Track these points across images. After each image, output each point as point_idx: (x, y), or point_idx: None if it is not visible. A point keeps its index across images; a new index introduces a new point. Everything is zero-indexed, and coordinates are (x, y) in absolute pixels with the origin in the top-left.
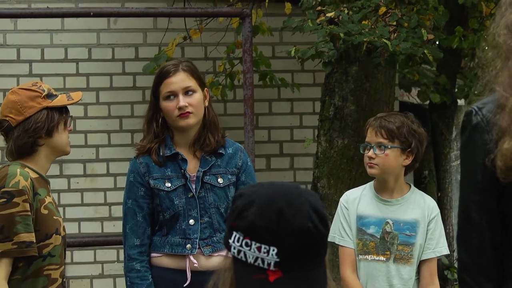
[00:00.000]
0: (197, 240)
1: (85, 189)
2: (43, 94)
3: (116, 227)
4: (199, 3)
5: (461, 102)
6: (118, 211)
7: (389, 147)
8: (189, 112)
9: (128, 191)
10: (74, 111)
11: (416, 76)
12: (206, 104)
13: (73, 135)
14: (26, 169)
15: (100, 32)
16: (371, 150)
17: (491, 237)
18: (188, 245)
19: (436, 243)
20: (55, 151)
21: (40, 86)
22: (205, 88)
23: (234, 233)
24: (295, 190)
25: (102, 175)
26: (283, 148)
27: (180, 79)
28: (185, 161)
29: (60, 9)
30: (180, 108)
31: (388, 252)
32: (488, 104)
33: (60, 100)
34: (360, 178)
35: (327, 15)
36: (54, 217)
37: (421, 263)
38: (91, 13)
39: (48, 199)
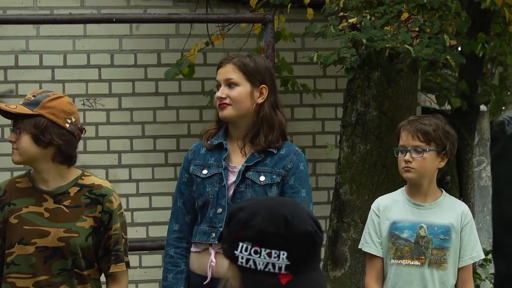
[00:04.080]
0: (221, 230)
1: None
2: None
3: (138, 233)
4: (221, 9)
5: (483, 107)
6: (140, 217)
7: (427, 150)
8: (226, 104)
9: (178, 177)
10: (96, 117)
11: (438, 78)
12: (260, 101)
13: (95, 141)
14: (20, 179)
15: (122, 38)
16: (407, 153)
17: None
18: (213, 234)
19: (472, 249)
20: None
21: None
22: (262, 85)
23: (241, 243)
24: (291, 201)
25: (124, 181)
26: (306, 153)
27: (225, 71)
28: (226, 150)
29: (83, 15)
30: (218, 99)
31: (423, 257)
32: None
33: None
34: (383, 184)
35: (349, 21)
36: (27, 227)
37: (458, 270)
38: (114, 19)
39: (28, 209)
